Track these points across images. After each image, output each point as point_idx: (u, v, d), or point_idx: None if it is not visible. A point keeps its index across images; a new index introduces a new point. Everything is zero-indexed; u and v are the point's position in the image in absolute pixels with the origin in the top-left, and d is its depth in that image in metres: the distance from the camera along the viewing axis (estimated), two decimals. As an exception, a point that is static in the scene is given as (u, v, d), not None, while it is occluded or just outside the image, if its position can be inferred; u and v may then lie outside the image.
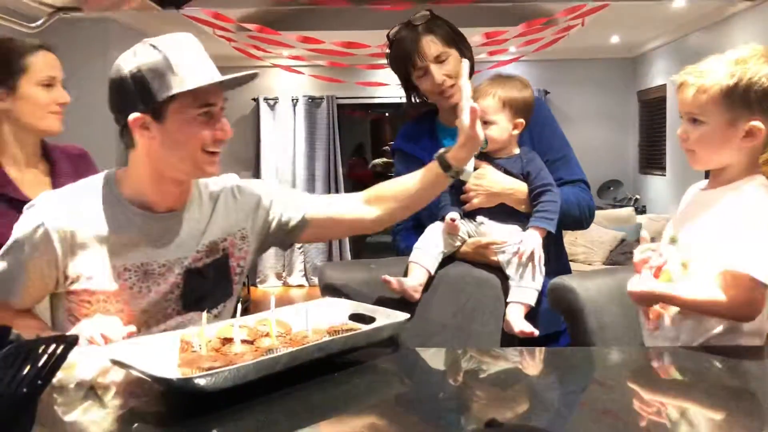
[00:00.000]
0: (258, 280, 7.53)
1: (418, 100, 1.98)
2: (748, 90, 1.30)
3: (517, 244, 1.70)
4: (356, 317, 1.38)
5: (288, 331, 1.27)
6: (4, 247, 1.43)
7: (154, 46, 1.36)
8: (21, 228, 1.41)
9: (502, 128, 1.75)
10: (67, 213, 1.40)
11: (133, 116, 1.35)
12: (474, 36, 1.96)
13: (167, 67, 1.33)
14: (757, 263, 1.26)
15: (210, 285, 1.50)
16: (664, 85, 6.55)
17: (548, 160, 1.81)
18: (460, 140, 1.54)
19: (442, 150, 1.60)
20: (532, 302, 1.68)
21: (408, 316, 1.34)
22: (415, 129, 2.00)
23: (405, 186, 1.64)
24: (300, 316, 1.34)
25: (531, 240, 1.69)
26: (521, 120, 1.75)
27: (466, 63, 1.68)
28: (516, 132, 1.77)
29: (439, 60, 1.83)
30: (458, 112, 1.53)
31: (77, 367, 1.13)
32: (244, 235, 1.56)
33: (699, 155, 1.38)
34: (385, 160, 10.49)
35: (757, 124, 1.31)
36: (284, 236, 1.63)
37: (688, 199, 1.50)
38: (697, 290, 1.32)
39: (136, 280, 1.43)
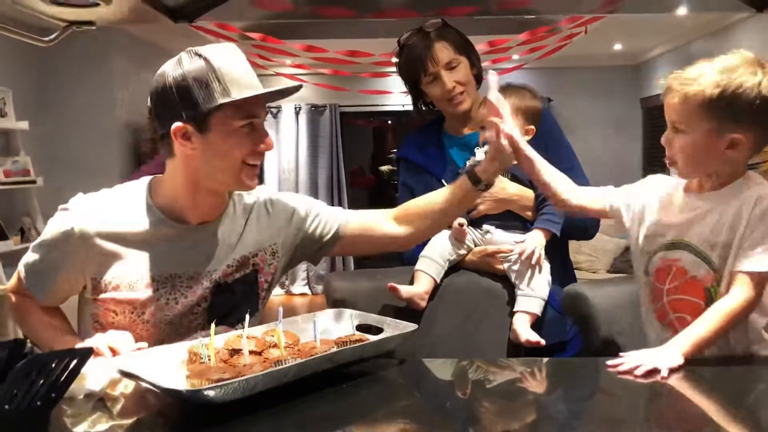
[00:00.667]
0: (261, 288, 7.53)
1: (424, 108, 1.99)
2: (733, 100, 1.25)
3: (520, 243, 1.70)
4: (364, 328, 1.39)
5: (296, 341, 1.27)
6: (35, 243, 1.44)
7: (200, 55, 1.34)
8: (52, 229, 1.40)
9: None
10: (99, 219, 1.39)
11: (176, 125, 1.33)
12: (478, 44, 1.97)
13: (213, 77, 1.32)
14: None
15: (237, 300, 1.49)
16: (667, 93, 6.54)
17: None
18: (490, 154, 1.52)
19: (470, 163, 1.60)
20: (539, 312, 1.68)
21: (415, 326, 1.34)
22: (421, 138, 2.01)
23: (435, 202, 1.60)
24: (307, 326, 1.34)
25: (534, 239, 1.70)
26: (532, 127, 1.76)
27: (494, 76, 1.58)
28: (526, 138, 1.77)
29: (449, 66, 1.84)
30: (487, 126, 1.51)
31: (87, 378, 1.13)
32: (275, 250, 1.54)
33: (680, 166, 1.35)
34: (390, 167, 10.50)
35: (738, 136, 1.28)
36: (316, 250, 1.61)
37: (664, 197, 1.42)
38: (712, 318, 1.27)
39: (164, 291, 1.41)
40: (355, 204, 8.95)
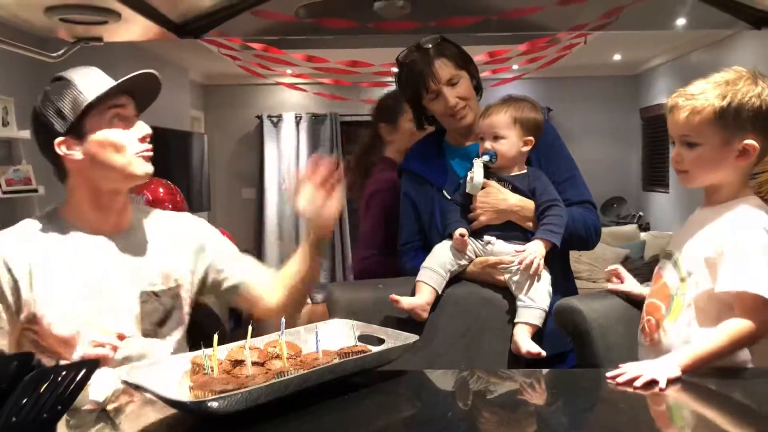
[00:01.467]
0: (261, 296, 7.52)
1: (426, 123, 2.01)
2: (739, 110, 1.32)
3: (521, 253, 1.71)
4: (365, 338, 1.39)
5: (298, 352, 1.28)
6: None
7: (57, 78, 1.48)
8: None
9: (512, 143, 1.77)
10: (19, 246, 1.44)
11: (58, 140, 1.45)
12: (478, 54, 1.99)
13: (73, 89, 1.44)
14: (763, 282, 1.28)
15: (166, 311, 1.54)
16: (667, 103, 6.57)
17: (556, 181, 1.82)
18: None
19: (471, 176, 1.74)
20: (539, 323, 1.69)
21: (416, 337, 1.35)
22: (423, 149, 2.02)
23: (288, 266, 1.70)
24: (310, 337, 1.35)
25: (534, 248, 1.70)
26: (531, 138, 1.78)
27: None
28: (525, 149, 1.79)
29: (451, 83, 1.86)
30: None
31: (90, 388, 1.14)
32: (192, 269, 1.62)
33: (693, 175, 1.40)
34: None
35: (751, 142, 1.34)
36: (217, 295, 1.68)
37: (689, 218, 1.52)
38: (713, 337, 1.30)
39: (92, 300, 1.46)
40: (357, 213, 8.94)
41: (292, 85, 6.69)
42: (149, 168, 1.50)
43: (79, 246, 1.48)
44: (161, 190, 4.14)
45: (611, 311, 1.59)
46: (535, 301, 1.69)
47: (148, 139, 1.50)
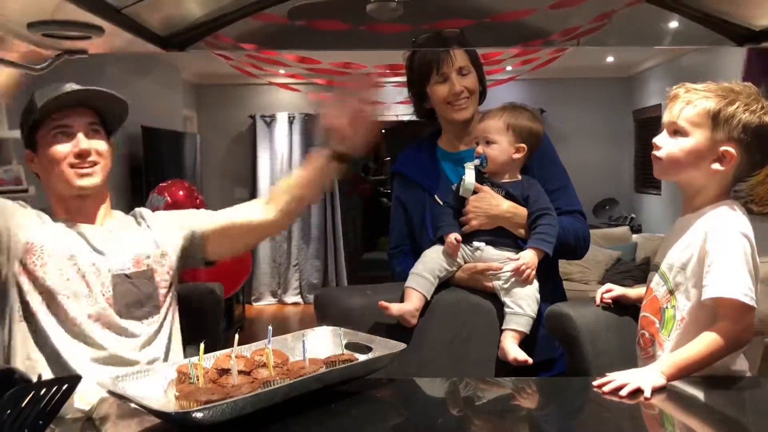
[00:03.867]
0: (253, 298, 7.51)
1: (423, 116, 2.01)
2: (734, 115, 1.33)
3: (514, 261, 1.71)
4: (353, 346, 1.39)
5: (285, 361, 1.28)
6: None
7: (32, 93, 1.58)
8: None
9: (503, 149, 1.77)
10: (24, 208, 1.62)
11: (26, 152, 1.62)
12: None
13: (32, 106, 1.56)
14: (740, 287, 1.28)
15: (140, 293, 1.61)
16: (659, 105, 6.59)
17: (547, 189, 1.82)
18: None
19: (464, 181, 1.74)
20: (527, 330, 1.69)
21: (404, 345, 1.35)
22: (416, 153, 2.02)
23: (295, 175, 1.81)
24: (297, 345, 1.34)
25: (528, 257, 1.71)
26: (523, 145, 1.78)
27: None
28: (517, 156, 1.79)
29: (461, 72, 1.88)
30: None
31: (74, 398, 1.13)
32: (164, 252, 1.69)
33: (666, 165, 1.41)
34: (378, 178, 10.51)
35: (731, 150, 1.34)
36: (192, 253, 1.75)
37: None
38: (695, 343, 1.30)
39: (74, 278, 1.55)
40: (349, 213, 8.95)
41: (285, 85, 6.68)
42: (82, 182, 1.58)
43: (60, 230, 1.59)
44: (181, 192, 4.14)
45: (601, 317, 1.60)
46: (523, 308, 1.69)
47: (86, 155, 1.57)
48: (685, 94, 1.38)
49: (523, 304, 1.69)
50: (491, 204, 1.77)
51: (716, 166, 1.36)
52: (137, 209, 1.78)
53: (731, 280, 1.29)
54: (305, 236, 7.60)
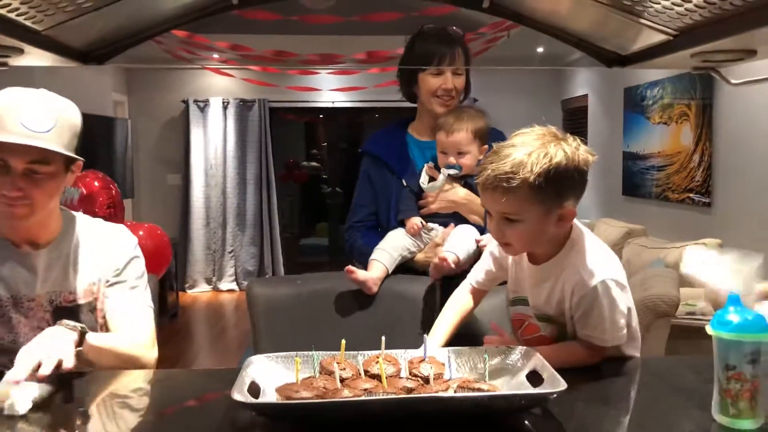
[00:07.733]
0: (187, 285, 7.43)
1: (406, 99, 2.11)
2: (555, 179, 1.29)
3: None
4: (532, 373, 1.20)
5: (438, 375, 1.19)
6: None
7: None
8: None
9: (474, 156, 1.92)
10: None
11: None
12: (400, 48, 2.06)
13: None
14: (613, 335, 1.37)
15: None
16: (586, 95, 6.83)
17: None
18: None
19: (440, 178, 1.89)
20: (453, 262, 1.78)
21: (566, 386, 1.07)
22: (386, 135, 2.15)
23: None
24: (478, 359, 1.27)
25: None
26: (486, 146, 1.92)
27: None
28: (482, 156, 1.92)
29: (456, 72, 1.99)
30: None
31: (16, 400, 1.14)
32: (111, 282, 1.59)
33: (518, 248, 1.40)
34: (315, 164, 10.51)
35: (565, 210, 1.34)
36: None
37: (508, 262, 1.52)
38: (559, 346, 1.40)
39: (7, 310, 1.50)
40: (285, 200, 8.90)
41: (218, 70, 6.59)
42: (12, 217, 1.47)
43: (5, 255, 1.52)
44: (96, 183, 4.04)
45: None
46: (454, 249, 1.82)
47: (14, 192, 1.43)
48: (499, 182, 1.29)
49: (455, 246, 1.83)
50: (450, 191, 1.93)
51: (559, 226, 1.36)
52: (123, 233, 1.66)
53: (606, 331, 1.36)
54: (240, 223, 7.56)
